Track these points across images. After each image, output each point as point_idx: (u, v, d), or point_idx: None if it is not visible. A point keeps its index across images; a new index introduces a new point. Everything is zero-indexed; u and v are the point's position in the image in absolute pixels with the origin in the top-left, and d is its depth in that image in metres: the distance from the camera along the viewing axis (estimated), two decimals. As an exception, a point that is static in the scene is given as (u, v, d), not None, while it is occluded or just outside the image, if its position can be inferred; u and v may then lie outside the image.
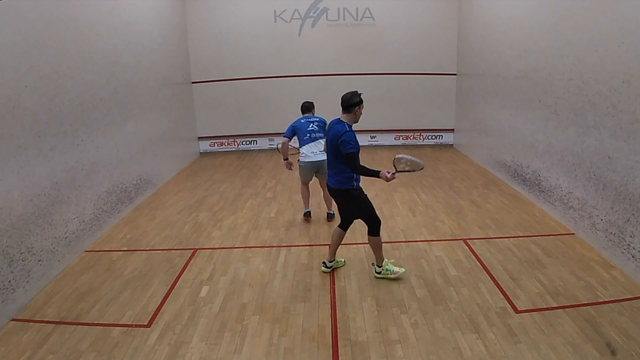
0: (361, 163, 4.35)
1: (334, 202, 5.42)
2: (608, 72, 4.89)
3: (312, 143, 6.02)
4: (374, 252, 4.65)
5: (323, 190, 6.24)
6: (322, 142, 5.96)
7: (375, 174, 4.21)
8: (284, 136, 6.06)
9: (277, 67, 11.18)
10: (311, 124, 6.03)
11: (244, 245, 5.68)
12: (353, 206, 4.53)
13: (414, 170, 4.30)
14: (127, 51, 7.23)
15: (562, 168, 5.95)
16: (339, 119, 4.41)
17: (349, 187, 4.42)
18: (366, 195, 4.55)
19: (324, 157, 5.63)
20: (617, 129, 4.73)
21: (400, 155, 4.39)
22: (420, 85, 11.23)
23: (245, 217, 6.65)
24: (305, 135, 6.02)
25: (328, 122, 4.90)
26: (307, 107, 6.25)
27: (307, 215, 6.39)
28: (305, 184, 6.38)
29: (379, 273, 4.63)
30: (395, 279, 4.56)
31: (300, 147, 6.09)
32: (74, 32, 5.66)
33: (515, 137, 7.54)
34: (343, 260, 5.02)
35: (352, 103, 4.29)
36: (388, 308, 4.11)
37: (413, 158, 4.31)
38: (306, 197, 6.41)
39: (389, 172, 4.20)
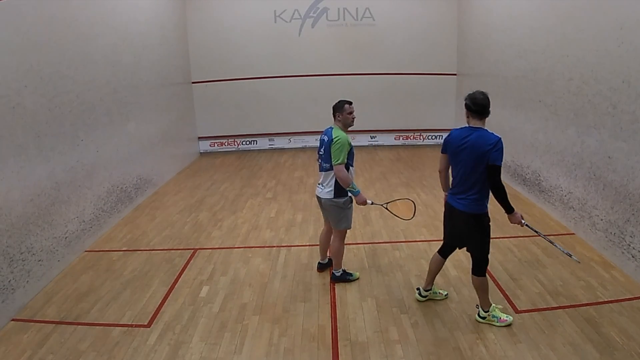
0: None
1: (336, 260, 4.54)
2: (608, 72, 4.89)
3: (320, 172, 4.36)
4: (477, 294, 3.84)
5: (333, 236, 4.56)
6: (326, 175, 4.26)
7: (511, 208, 3.55)
8: None
9: (277, 67, 11.19)
10: (321, 146, 4.31)
11: (244, 245, 5.67)
12: (474, 234, 3.70)
13: (552, 243, 3.76)
14: (127, 51, 7.23)
15: (562, 168, 5.95)
16: (469, 126, 3.62)
17: (481, 211, 3.64)
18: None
19: (326, 195, 4.27)
20: (617, 129, 4.73)
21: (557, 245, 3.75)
22: (420, 85, 11.23)
23: (245, 217, 6.65)
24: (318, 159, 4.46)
25: (335, 139, 4.05)
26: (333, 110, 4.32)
27: (320, 268, 4.84)
28: (326, 225, 4.69)
29: (484, 318, 3.82)
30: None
31: None
32: (74, 32, 5.66)
33: (515, 137, 7.53)
34: (445, 293, 4.24)
35: (489, 106, 3.58)
36: (388, 308, 4.11)
37: (566, 251, 3.69)
38: (321, 244, 4.79)
39: (522, 219, 3.62)
